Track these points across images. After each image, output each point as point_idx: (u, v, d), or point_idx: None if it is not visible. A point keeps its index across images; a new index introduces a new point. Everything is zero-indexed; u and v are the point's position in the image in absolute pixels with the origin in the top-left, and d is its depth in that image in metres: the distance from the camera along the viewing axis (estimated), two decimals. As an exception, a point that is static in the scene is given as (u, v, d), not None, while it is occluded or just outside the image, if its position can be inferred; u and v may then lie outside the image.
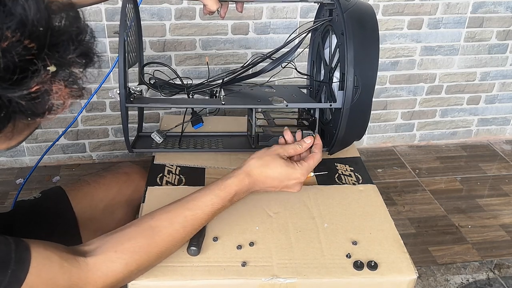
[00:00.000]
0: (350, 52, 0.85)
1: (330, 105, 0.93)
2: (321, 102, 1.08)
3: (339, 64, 0.94)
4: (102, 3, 1.63)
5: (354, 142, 1.05)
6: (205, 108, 1.03)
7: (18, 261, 0.55)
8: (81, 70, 0.42)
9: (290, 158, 0.84)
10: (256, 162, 0.77)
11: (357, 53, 0.85)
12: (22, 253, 0.56)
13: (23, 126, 0.44)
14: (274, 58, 0.97)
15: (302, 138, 0.86)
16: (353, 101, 0.87)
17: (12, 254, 0.54)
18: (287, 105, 0.97)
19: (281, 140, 0.88)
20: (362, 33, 0.87)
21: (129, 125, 0.95)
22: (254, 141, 1.04)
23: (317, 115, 1.05)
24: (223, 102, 0.95)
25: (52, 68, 0.39)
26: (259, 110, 1.09)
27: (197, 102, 1.02)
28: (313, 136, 0.86)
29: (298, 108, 1.19)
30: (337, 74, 0.97)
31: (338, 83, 0.94)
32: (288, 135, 0.88)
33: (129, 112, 0.94)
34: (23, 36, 0.37)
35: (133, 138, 1.09)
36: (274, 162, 0.77)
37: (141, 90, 0.98)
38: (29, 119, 0.41)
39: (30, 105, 0.39)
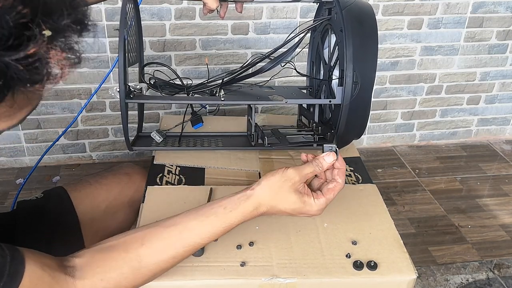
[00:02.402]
0: (349, 48, 0.86)
1: (330, 101, 0.93)
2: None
3: (338, 62, 0.95)
4: (102, 3, 1.63)
5: (354, 142, 1.05)
6: (205, 104, 1.03)
7: (12, 274, 0.55)
8: (76, 36, 0.42)
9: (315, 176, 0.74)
10: (267, 194, 0.68)
11: (356, 48, 0.86)
12: (17, 266, 0.56)
13: (22, 100, 0.44)
14: (273, 58, 0.97)
15: (324, 151, 0.73)
16: (352, 96, 0.87)
17: (7, 266, 0.54)
18: (286, 102, 0.97)
19: (303, 157, 0.75)
20: (361, 30, 0.88)
21: (129, 125, 0.95)
22: (254, 139, 1.04)
23: (316, 112, 1.05)
24: (223, 99, 0.95)
25: (47, 32, 0.39)
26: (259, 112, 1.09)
27: (197, 99, 1.02)
28: (335, 151, 0.72)
29: (298, 112, 1.19)
30: (336, 72, 0.97)
31: (338, 80, 0.94)
32: (304, 158, 0.75)
33: (129, 112, 0.94)
34: (16, 1, 0.37)
35: (133, 138, 1.09)
36: (288, 198, 0.68)
37: (141, 88, 0.98)
38: (28, 85, 0.41)
39: (28, 70, 0.39)
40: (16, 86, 0.40)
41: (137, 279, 0.66)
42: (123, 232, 0.69)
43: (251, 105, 1.03)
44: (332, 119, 0.98)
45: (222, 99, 0.95)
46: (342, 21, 0.87)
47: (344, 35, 0.87)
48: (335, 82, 0.97)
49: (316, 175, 0.74)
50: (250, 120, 1.06)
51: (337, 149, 0.72)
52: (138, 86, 0.98)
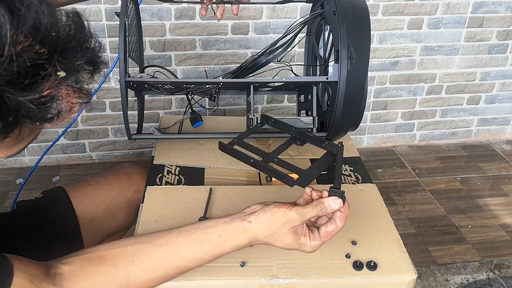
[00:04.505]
0: (342, 25, 0.87)
1: (327, 78, 0.93)
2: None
3: (333, 49, 0.95)
4: (102, 2, 1.63)
5: (354, 142, 1.05)
6: (204, 85, 1.01)
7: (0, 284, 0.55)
8: (88, 76, 0.43)
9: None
10: (265, 231, 0.66)
11: (349, 24, 0.87)
12: (5, 277, 0.56)
13: (27, 133, 0.44)
14: (270, 56, 0.98)
15: (329, 195, 0.68)
16: (348, 72, 0.87)
17: None
18: (284, 79, 0.98)
19: (307, 191, 0.71)
20: (353, 9, 0.89)
21: (129, 125, 0.95)
22: (254, 122, 1.03)
23: (314, 95, 1.04)
24: (221, 78, 0.95)
25: (61, 74, 0.40)
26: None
27: (195, 80, 1.02)
28: (342, 198, 0.67)
29: (297, 108, 1.19)
30: (331, 64, 0.98)
31: (333, 62, 0.95)
32: (308, 193, 0.71)
33: (129, 112, 0.93)
34: (35, 41, 0.37)
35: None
36: (284, 239, 0.67)
37: (141, 76, 0.99)
38: (38, 123, 0.41)
39: (40, 109, 0.40)
40: (25, 123, 0.41)
41: None
42: (114, 242, 0.68)
43: (250, 85, 1.02)
44: (330, 103, 0.97)
45: (221, 77, 0.95)
46: (335, 3, 0.89)
47: (337, 14, 0.88)
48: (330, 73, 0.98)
49: None
50: (250, 101, 1.05)
51: (344, 195, 0.68)
52: (138, 75, 0.98)
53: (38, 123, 0.41)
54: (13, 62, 0.36)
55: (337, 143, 0.86)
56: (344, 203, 0.67)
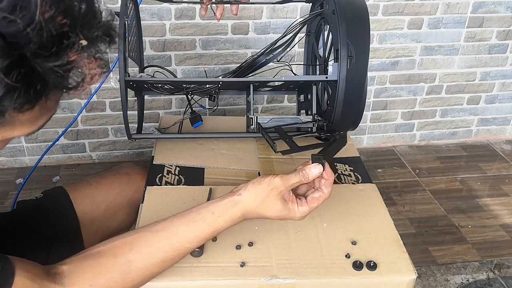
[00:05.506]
0: (342, 24, 0.87)
1: (326, 77, 0.93)
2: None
3: (333, 49, 0.95)
4: (102, 2, 1.63)
5: (354, 142, 1.05)
6: (204, 85, 1.01)
7: (1, 286, 0.55)
8: (105, 46, 0.45)
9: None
10: (254, 201, 0.69)
11: (349, 24, 0.87)
12: (7, 277, 0.56)
13: (52, 104, 0.47)
14: (270, 56, 0.98)
15: (313, 163, 0.72)
16: (348, 72, 0.88)
17: None
18: (284, 78, 0.98)
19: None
20: (352, 8, 0.90)
21: (129, 125, 0.95)
22: (254, 122, 1.03)
23: (314, 94, 1.04)
24: (221, 77, 0.95)
25: (84, 42, 0.42)
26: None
27: (195, 79, 1.03)
28: (322, 164, 0.71)
29: (297, 108, 1.19)
30: (331, 63, 0.98)
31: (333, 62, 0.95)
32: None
33: (129, 112, 0.93)
34: (58, 11, 0.40)
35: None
36: (273, 206, 0.69)
37: (141, 76, 0.99)
38: (64, 90, 0.44)
39: (65, 76, 0.42)
40: (52, 90, 0.44)
41: (127, 284, 0.66)
42: (110, 238, 0.68)
43: (250, 85, 1.02)
44: (329, 102, 0.97)
45: (221, 77, 0.95)
46: (334, 2, 0.89)
47: (336, 14, 0.88)
48: (330, 72, 0.98)
49: None
50: (250, 101, 1.05)
51: (325, 161, 0.71)
52: (138, 75, 0.98)
53: (64, 90, 0.44)
54: (42, 29, 0.39)
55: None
56: (324, 169, 0.70)
